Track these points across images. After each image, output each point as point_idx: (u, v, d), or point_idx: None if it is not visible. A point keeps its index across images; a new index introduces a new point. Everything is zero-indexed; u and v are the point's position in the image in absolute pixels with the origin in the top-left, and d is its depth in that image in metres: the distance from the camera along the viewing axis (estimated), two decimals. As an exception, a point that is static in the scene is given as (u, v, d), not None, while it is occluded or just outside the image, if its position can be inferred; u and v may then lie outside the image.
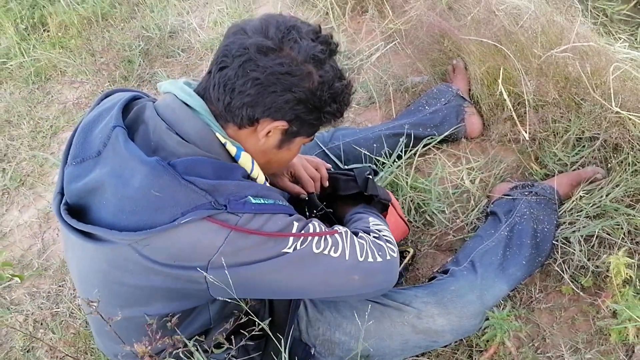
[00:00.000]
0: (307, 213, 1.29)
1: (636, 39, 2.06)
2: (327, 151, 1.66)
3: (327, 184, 1.37)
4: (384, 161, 1.69)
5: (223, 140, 0.97)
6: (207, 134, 0.96)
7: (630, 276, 1.20)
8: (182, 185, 0.88)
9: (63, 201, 0.97)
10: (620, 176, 1.45)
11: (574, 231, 1.44)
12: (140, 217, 0.89)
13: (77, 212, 0.96)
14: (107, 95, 1.10)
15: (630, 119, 1.36)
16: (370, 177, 1.34)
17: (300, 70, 0.93)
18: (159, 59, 2.40)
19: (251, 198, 0.92)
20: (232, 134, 0.99)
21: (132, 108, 1.01)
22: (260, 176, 1.05)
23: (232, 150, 0.99)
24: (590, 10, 2.24)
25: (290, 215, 0.98)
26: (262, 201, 0.94)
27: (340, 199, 1.34)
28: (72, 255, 1.07)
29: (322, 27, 1.00)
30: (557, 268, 1.42)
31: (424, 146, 1.75)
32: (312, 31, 0.97)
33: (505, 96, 1.63)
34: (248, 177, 1.01)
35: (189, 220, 0.86)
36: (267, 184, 1.09)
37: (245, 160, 1.01)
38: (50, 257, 1.83)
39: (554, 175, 1.58)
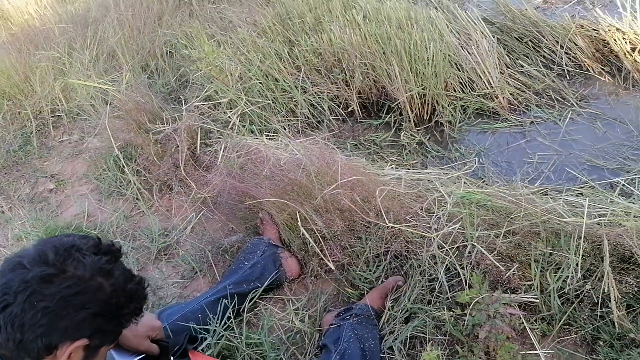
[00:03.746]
0: None
1: (403, 158, 2.48)
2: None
3: None
4: (215, 328, 1.71)
5: None
6: None
7: (444, 366, 1.35)
8: None
9: None
10: (414, 278, 1.66)
11: (395, 339, 1.58)
12: None
13: None
14: None
15: (402, 230, 1.60)
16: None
17: (90, 286, 0.96)
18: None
19: None
20: None
21: None
22: None
23: None
24: (363, 143, 2.66)
25: None
26: None
27: None
28: None
29: (101, 238, 1.05)
30: (391, 379, 1.52)
31: (251, 300, 1.83)
32: (93, 245, 1.01)
33: (307, 235, 1.82)
34: None
35: None
36: None
37: None
38: None
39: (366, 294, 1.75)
